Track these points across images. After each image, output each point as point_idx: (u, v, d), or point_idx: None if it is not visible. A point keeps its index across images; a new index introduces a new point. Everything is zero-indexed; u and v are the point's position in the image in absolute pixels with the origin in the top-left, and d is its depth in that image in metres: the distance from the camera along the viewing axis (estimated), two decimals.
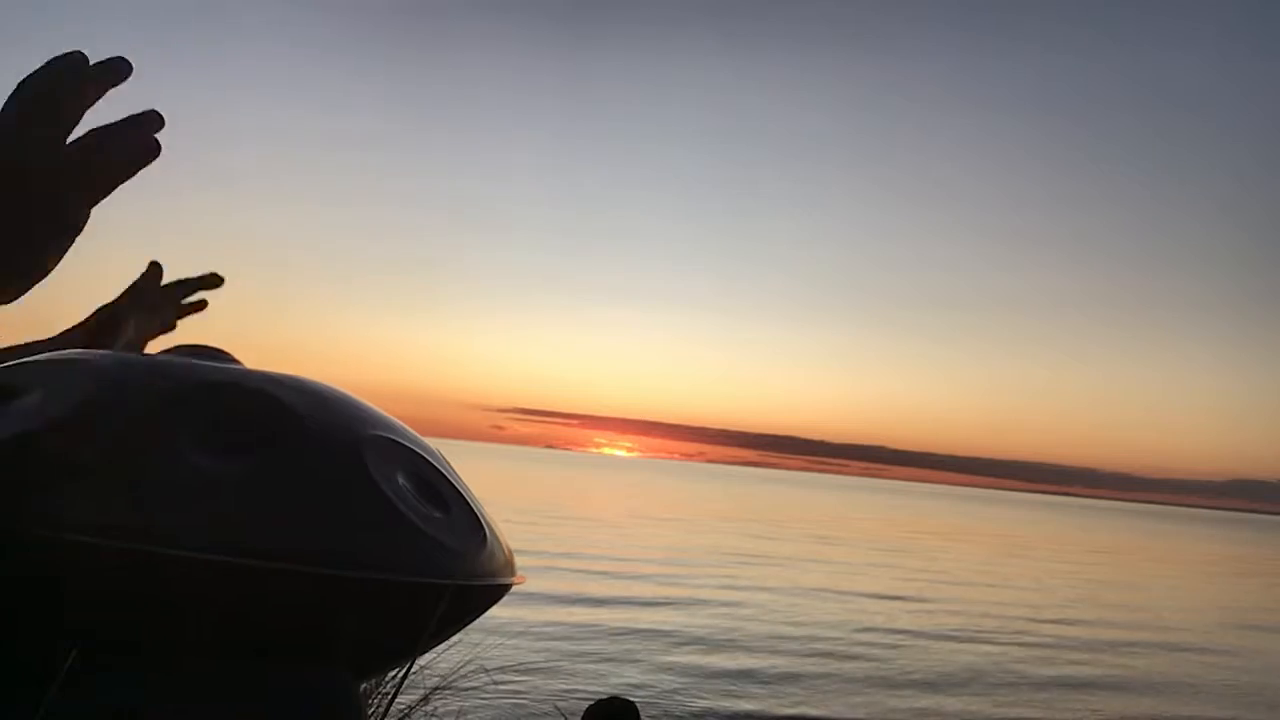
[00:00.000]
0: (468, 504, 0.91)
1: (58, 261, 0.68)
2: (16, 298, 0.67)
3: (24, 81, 0.66)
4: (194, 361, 0.88)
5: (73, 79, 0.65)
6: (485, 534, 0.90)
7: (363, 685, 0.97)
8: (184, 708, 0.75)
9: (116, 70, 0.67)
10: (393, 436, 0.88)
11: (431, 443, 0.97)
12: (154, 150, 0.70)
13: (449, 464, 0.95)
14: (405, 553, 0.80)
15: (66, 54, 0.66)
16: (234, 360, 0.92)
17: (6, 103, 0.65)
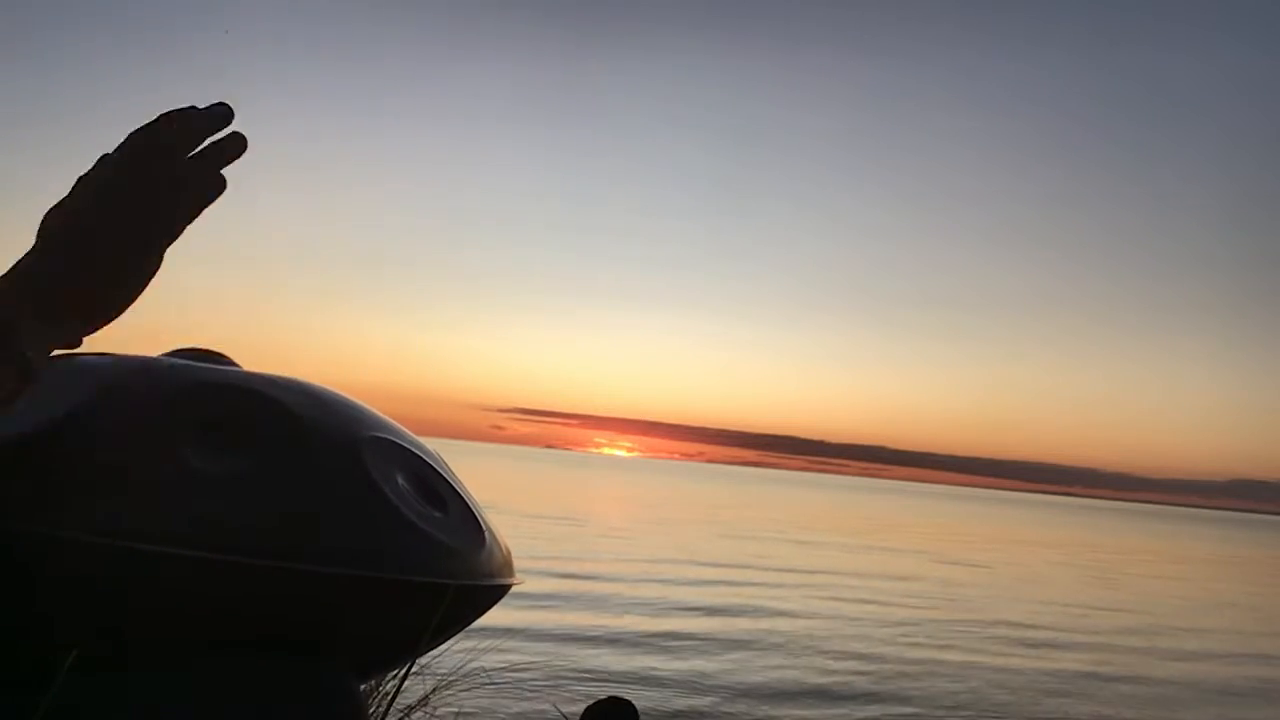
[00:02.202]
0: (466, 504, 0.91)
1: (132, 300, 0.71)
2: (83, 338, 0.70)
3: (132, 134, 0.70)
4: (192, 364, 0.89)
5: (173, 134, 0.70)
6: (484, 534, 0.90)
7: (363, 685, 0.97)
8: (185, 707, 0.76)
9: (221, 117, 0.72)
10: (391, 437, 0.89)
11: (430, 443, 0.98)
12: (222, 187, 0.73)
13: (447, 465, 0.96)
14: (406, 552, 0.81)
15: (179, 111, 0.71)
16: (231, 363, 0.93)
17: (115, 151, 0.69)
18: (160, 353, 0.93)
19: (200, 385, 0.83)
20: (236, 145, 0.74)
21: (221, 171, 0.73)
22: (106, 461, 0.76)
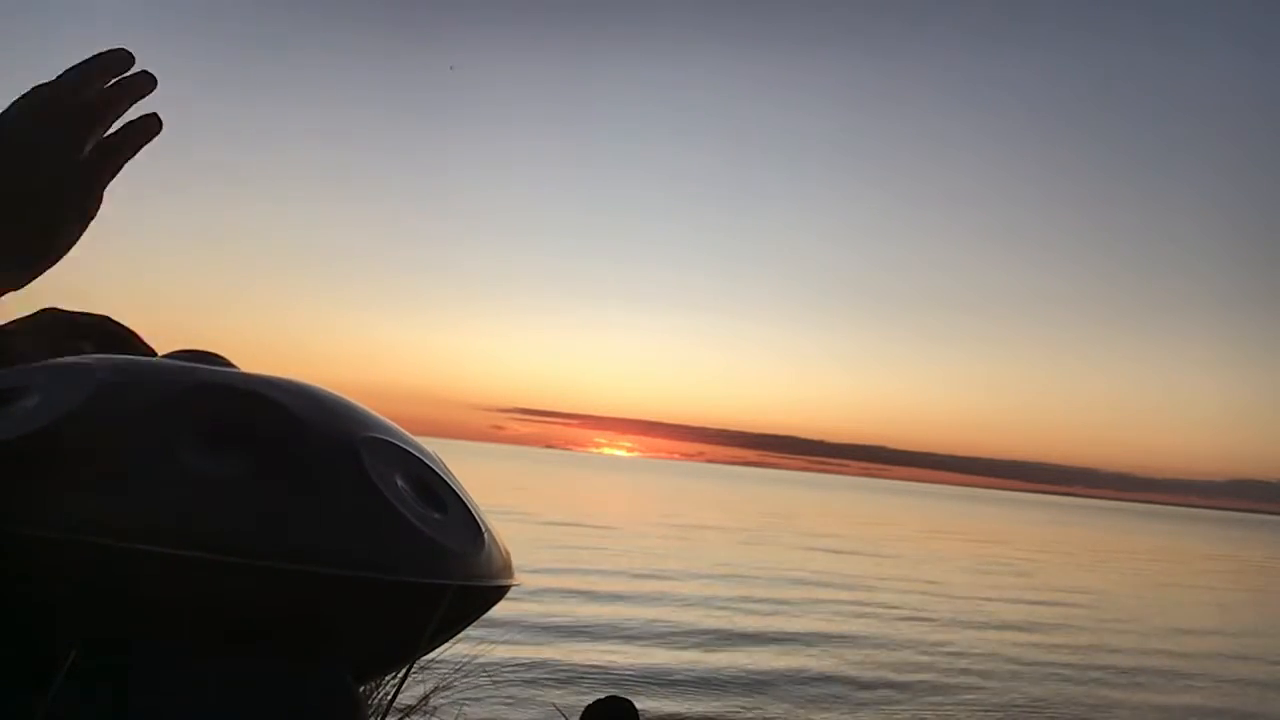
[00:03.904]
0: (465, 505, 0.91)
1: (70, 247, 0.69)
2: (27, 283, 0.68)
3: (36, 88, 0.67)
4: (190, 365, 0.89)
5: (77, 79, 0.66)
6: (483, 535, 0.90)
7: (363, 686, 0.97)
8: (184, 709, 0.76)
9: (120, 61, 0.68)
10: (390, 439, 0.89)
11: (431, 443, 0.98)
12: (155, 130, 0.71)
13: (445, 466, 0.96)
14: (405, 553, 0.81)
15: (88, 60, 0.67)
16: (229, 365, 0.93)
17: (15, 103, 0.66)
18: (158, 355, 0.93)
19: (198, 387, 0.83)
20: (146, 84, 0.70)
21: (154, 113, 0.70)
22: (105, 462, 0.76)
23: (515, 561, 0.97)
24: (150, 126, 0.71)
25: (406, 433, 0.94)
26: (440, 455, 0.97)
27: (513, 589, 0.95)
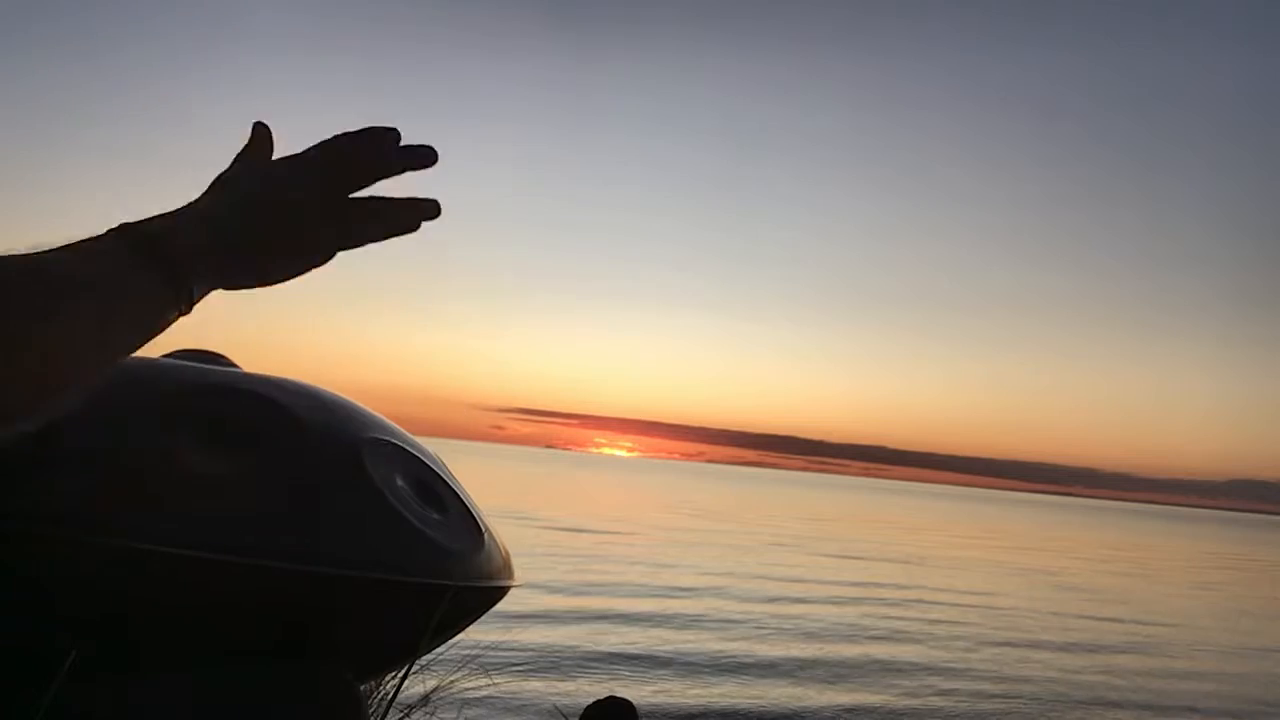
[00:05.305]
0: (465, 506, 0.92)
1: (292, 277, 0.70)
2: (242, 288, 0.70)
3: (338, 136, 0.69)
4: (192, 364, 0.90)
5: (380, 152, 0.69)
6: (483, 536, 0.91)
7: (362, 686, 0.98)
8: (182, 708, 0.76)
9: (423, 158, 0.70)
10: (390, 439, 0.89)
11: (430, 443, 0.98)
12: (431, 214, 0.73)
13: (446, 466, 0.96)
14: (405, 554, 0.81)
15: (386, 129, 0.70)
16: (231, 364, 0.94)
17: (314, 148, 0.69)
18: (160, 354, 0.93)
19: (200, 386, 0.84)
20: (428, 156, 0.73)
21: (414, 210, 0.72)
22: (106, 462, 0.76)
23: (517, 569, 0.98)
24: (428, 209, 0.73)
25: (407, 433, 0.94)
26: (441, 455, 0.98)
27: (516, 597, 0.95)
